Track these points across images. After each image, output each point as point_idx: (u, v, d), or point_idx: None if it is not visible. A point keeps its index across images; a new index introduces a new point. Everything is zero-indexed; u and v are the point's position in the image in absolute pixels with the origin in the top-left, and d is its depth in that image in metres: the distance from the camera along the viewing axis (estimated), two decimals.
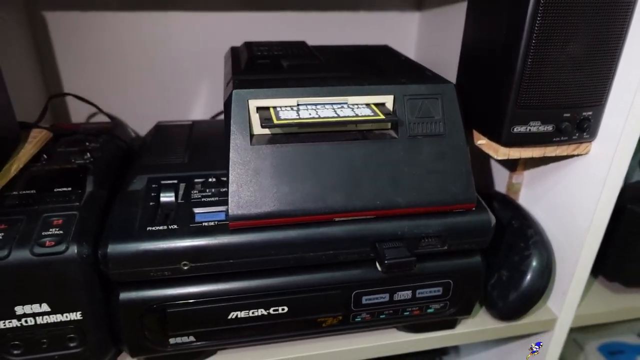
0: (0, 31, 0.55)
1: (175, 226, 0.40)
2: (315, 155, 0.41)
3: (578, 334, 0.79)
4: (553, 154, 0.47)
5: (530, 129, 0.44)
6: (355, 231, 0.42)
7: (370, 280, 0.45)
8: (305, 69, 0.48)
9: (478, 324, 0.53)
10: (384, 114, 0.41)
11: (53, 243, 0.38)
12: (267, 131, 0.41)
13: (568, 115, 0.44)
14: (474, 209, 0.44)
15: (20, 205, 0.41)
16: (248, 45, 0.57)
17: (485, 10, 0.46)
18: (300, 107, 0.41)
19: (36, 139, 0.47)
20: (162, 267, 0.40)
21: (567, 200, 0.52)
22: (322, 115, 0.40)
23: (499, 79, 0.43)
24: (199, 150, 0.52)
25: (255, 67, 0.48)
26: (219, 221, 0.41)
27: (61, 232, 0.39)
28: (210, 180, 0.45)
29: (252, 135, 0.41)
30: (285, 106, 0.41)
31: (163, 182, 0.45)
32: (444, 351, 0.78)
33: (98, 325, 0.42)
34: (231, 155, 0.40)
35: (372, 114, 0.41)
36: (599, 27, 0.41)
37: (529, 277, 0.50)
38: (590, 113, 0.44)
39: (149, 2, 0.64)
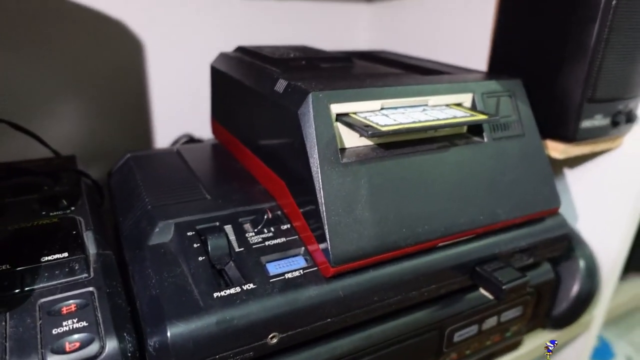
0: None
1: (252, 285, 0.29)
2: (414, 170, 0.33)
3: None
4: (599, 149, 0.46)
5: (594, 124, 0.42)
6: (457, 256, 0.35)
7: (463, 312, 0.38)
8: (344, 70, 0.40)
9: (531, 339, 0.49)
10: (486, 114, 0.35)
11: (78, 344, 0.24)
12: (355, 143, 0.32)
13: (621, 107, 0.43)
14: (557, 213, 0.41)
15: None
16: (247, 49, 0.46)
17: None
18: (385, 112, 0.33)
19: None
20: (245, 347, 0.28)
21: (594, 194, 0.51)
22: (420, 119, 0.33)
23: (565, 73, 0.41)
24: (214, 183, 0.39)
25: (295, 68, 0.38)
26: (303, 269, 0.31)
27: (83, 323, 0.25)
28: (264, 216, 0.34)
29: (342, 150, 0.31)
30: (368, 111, 0.33)
31: (199, 226, 0.32)
32: None
33: None
34: (320, 179, 0.30)
35: (468, 114, 0.35)
36: None
37: (578, 284, 0.48)
38: (637, 103, 0.44)
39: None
